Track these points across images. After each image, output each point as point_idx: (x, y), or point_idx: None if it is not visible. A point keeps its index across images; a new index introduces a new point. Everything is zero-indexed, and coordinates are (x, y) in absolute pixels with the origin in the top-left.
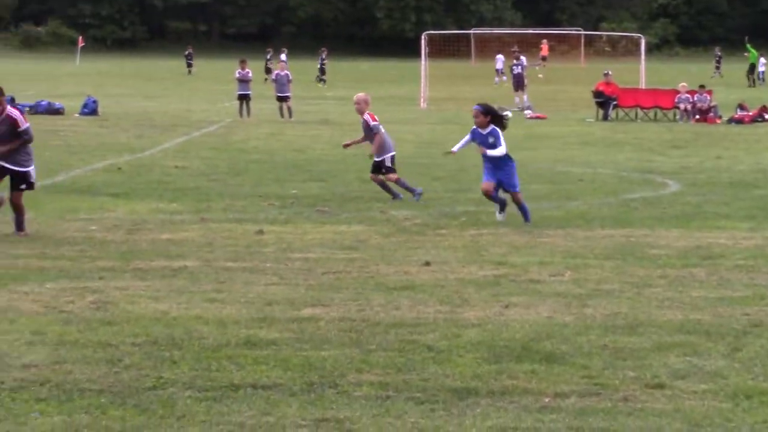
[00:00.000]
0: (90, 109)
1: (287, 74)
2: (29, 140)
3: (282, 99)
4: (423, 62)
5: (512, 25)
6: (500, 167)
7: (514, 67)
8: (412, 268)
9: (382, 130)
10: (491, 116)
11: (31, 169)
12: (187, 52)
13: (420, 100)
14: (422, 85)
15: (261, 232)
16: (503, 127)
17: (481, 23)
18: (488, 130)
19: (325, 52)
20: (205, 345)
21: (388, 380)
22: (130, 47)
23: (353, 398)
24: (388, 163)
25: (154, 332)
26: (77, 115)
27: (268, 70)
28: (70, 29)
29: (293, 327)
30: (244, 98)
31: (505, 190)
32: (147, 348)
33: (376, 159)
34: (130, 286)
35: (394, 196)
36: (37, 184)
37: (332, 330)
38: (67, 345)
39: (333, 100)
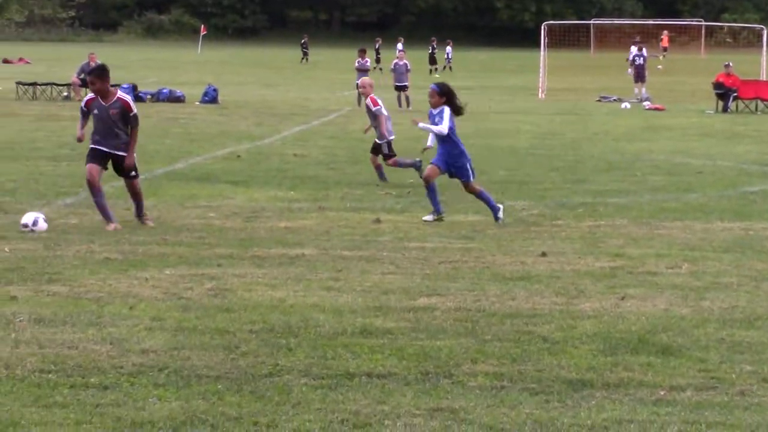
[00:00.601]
0: (210, 97)
1: (405, 63)
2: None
3: (400, 88)
4: (542, 52)
5: (632, 16)
6: (450, 153)
7: (636, 58)
8: (528, 259)
9: (384, 113)
10: (446, 97)
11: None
12: (303, 41)
13: (539, 91)
14: (541, 75)
15: (378, 221)
16: (458, 112)
17: (601, 14)
18: (438, 110)
19: (436, 42)
20: (321, 333)
21: (503, 371)
22: (250, 36)
23: (468, 388)
24: (385, 150)
25: (271, 319)
26: (198, 103)
27: (378, 60)
28: (192, 18)
29: (409, 316)
30: None
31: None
32: (264, 335)
33: (377, 141)
34: (247, 274)
35: (382, 177)
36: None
37: (448, 320)
38: (186, 331)
39: None
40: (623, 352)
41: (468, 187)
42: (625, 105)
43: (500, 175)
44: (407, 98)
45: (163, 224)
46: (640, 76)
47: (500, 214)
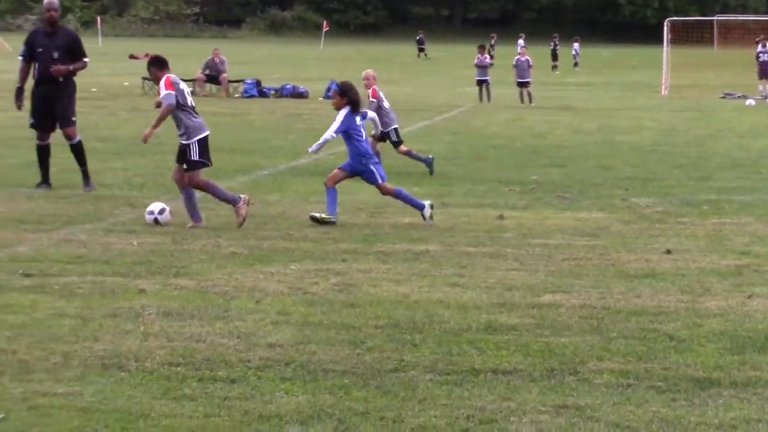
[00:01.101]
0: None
1: (528, 59)
2: (164, 108)
3: (522, 84)
4: (665, 49)
5: (756, 12)
6: (355, 155)
7: (761, 54)
8: (653, 256)
9: (386, 106)
10: (347, 96)
11: (191, 142)
12: (418, 37)
13: (661, 87)
14: (664, 71)
15: (501, 217)
16: (356, 110)
17: (725, 10)
18: (338, 112)
19: (558, 38)
20: (446, 329)
21: (629, 368)
22: (372, 32)
23: (594, 385)
24: (393, 137)
25: (396, 315)
26: (321, 99)
27: (491, 56)
28: (315, 14)
29: (533, 313)
30: (482, 83)
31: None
32: (389, 330)
33: (382, 130)
34: (372, 269)
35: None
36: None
37: (573, 317)
38: (312, 326)
39: (574, 86)
40: (751, 351)
41: (382, 190)
42: (750, 102)
43: (625, 171)
44: (529, 94)
45: (288, 219)
46: (764, 72)
47: (426, 212)
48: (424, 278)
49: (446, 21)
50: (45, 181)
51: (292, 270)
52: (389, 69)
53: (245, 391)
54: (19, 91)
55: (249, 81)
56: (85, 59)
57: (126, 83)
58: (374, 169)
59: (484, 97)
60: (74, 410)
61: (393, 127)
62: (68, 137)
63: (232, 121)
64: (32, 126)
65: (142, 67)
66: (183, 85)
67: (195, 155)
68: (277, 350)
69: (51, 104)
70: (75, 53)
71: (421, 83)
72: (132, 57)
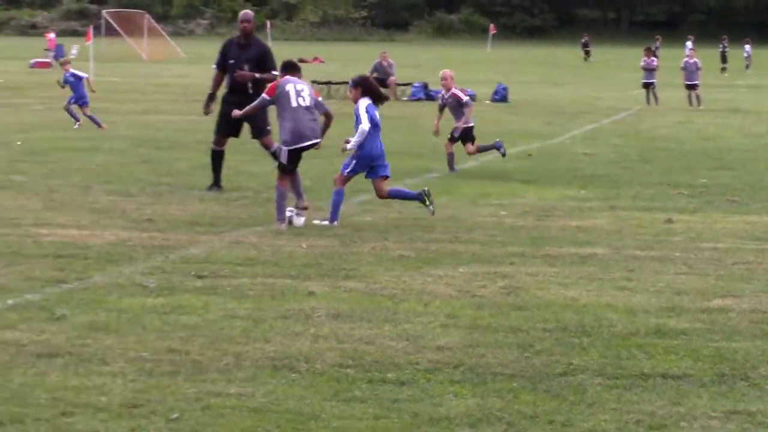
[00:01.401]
0: (500, 96)
1: (696, 62)
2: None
3: (691, 87)
4: None
5: None
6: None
7: None
8: None
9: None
10: (362, 87)
11: (276, 148)
12: (583, 40)
13: None
14: None
15: (670, 221)
16: (380, 100)
17: None
18: (356, 106)
19: (727, 40)
20: (614, 333)
21: None
22: (539, 35)
23: (765, 391)
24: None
25: (564, 318)
26: (488, 101)
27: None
28: (482, 17)
29: (703, 317)
30: (648, 86)
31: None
32: (557, 334)
33: (466, 126)
34: (539, 272)
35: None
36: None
37: (743, 321)
38: (480, 329)
39: (744, 88)
40: None
41: (380, 191)
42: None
43: None
44: (698, 97)
45: (456, 222)
46: None
47: (429, 207)
48: (592, 282)
49: (613, 24)
50: (216, 183)
51: (460, 273)
52: (556, 72)
53: (414, 393)
54: (210, 98)
55: (416, 84)
56: (274, 72)
57: None
58: (347, 162)
59: (651, 100)
60: (246, 411)
61: (470, 125)
62: (266, 146)
63: (400, 124)
64: (217, 132)
65: (311, 70)
66: (292, 88)
67: (284, 159)
68: (445, 353)
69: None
70: (264, 66)
71: (588, 86)
72: (301, 61)
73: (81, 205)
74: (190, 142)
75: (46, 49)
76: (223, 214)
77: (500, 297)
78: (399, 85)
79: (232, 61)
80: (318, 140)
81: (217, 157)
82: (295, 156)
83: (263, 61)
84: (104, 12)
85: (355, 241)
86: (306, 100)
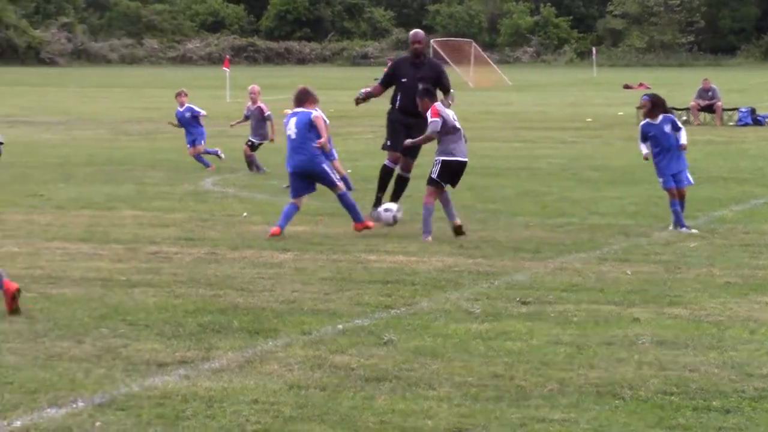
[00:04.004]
0: None
1: None
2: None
3: None
4: None
5: None
6: None
7: None
8: None
9: None
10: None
11: (436, 159)
12: None
13: None
14: None
15: None
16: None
17: None
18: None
19: None
20: None
21: None
22: None
23: None
24: None
25: None
26: None
27: None
28: None
29: None
30: None
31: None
32: None
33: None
34: None
35: None
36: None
37: None
38: None
39: None
40: None
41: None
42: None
43: None
44: None
45: None
46: None
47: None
48: None
49: None
50: (378, 203)
51: None
52: None
53: (740, 422)
54: (363, 95)
55: (743, 109)
56: (452, 91)
57: (620, 113)
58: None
59: None
60: None
61: None
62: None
63: (726, 150)
64: (385, 147)
65: (636, 96)
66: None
67: (435, 173)
68: None
69: (409, 134)
70: (440, 84)
71: None
72: (626, 87)
73: (409, 231)
74: (514, 169)
75: (375, 79)
76: (547, 240)
77: None
78: (725, 110)
79: (404, 80)
80: (466, 160)
81: (386, 175)
82: (447, 170)
83: (438, 80)
84: (433, 41)
85: (680, 267)
86: (457, 123)
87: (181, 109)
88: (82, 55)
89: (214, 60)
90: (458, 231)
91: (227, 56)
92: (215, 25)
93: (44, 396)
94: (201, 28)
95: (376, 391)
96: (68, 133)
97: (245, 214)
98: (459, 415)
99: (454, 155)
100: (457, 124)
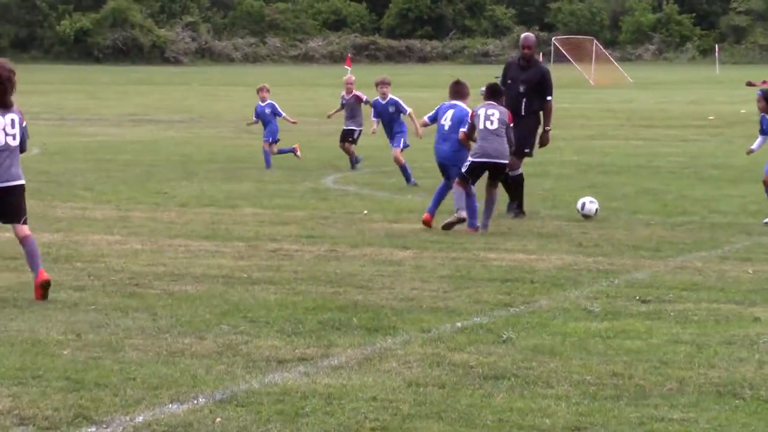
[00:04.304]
0: None
1: None
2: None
3: None
4: None
5: None
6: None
7: None
8: None
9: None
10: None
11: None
12: None
13: None
14: None
15: None
16: None
17: None
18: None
19: None
20: None
21: None
22: None
23: None
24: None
25: None
26: None
27: None
28: None
29: None
30: None
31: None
32: None
33: None
34: None
35: None
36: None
37: None
38: None
39: None
40: None
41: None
42: None
43: None
44: None
45: None
46: None
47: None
48: None
49: None
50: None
51: None
52: None
53: None
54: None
55: None
56: (549, 97)
57: (743, 110)
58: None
59: None
60: None
61: None
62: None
63: None
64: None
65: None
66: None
67: (463, 168)
68: None
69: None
70: (541, 89)
71: None
72: (749, 84)
73: (528, 229)
74: (634, 167)
75: (496, 77)
76: (668, 239)
77: None
78: None
79: (509, 81)
80: (500, 161)
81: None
82: (474, 168)
83: (540, 84)
84: (554, 39)
85: None
86: (494, 124)
87: (262, 104)
88: (205, 54)
89: (335, 58)
90: (447, 226)
91: (348, 54)
92: (337, 24)
93: (166, 392)
94: (323, 27)
95: (494, 389)
96: (191, 131)
97: (365, 211)
98: (577, 413)
99: (477, 156)
100: (492, 126)
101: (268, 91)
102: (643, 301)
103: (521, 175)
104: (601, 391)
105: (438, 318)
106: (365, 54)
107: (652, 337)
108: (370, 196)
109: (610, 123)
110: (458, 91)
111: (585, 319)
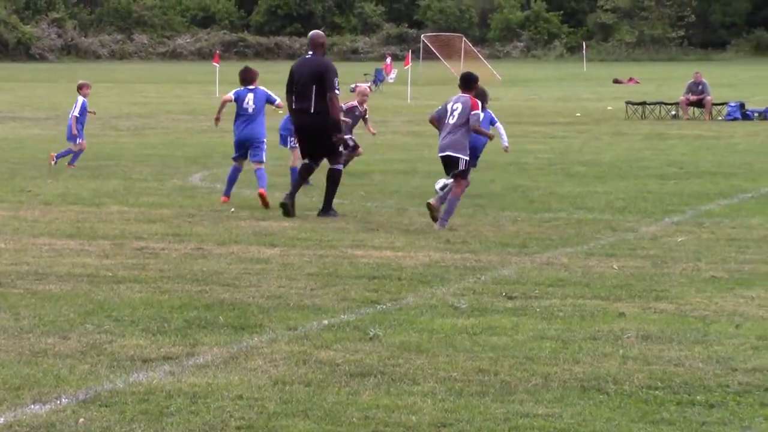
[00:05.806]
0: None
1: None
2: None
3: None
4: None
5: None
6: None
7: None
8: None
9: None
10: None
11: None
12: None
13: None
14: None
15: None
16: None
17: None
18: None
19: None
20: None
21: None
22: None
23: None
24: None
25: None
26: None
27: None
28: None
29: None
30: None
31: None
32: None
33: None
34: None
35: None
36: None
37: None
38: None
39: None
40: None
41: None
42: None
43: None
44: None
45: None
46: None
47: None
48: None
49: None
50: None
51: None
52: None
53: (724, 416)
54: None
55: (732, 104)
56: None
57: (609, 107)
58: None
59: None
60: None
61: None
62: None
63: (714, 144)
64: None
65: (625, 91)
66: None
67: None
68: (757, 375)
69: None
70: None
71: None
72: (616, 81)
73: (396, 226)
74: (502, 164)
75: (365, 74)
76: (534, 235)
77: None
78: (715, 105)
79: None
80: (449, 154)
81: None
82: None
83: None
84: (423, 36)
85: (666, 261)
86: (455, 117)
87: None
88: (72, 51)
89: (204, 55)
90: (430, 207)
91: (216, 52)
92: (206, 21)
93: (28, 392)
94: (191, 24)
95: (360, 387)
96: (57, 129)
97: (232, 209)
98: (443, 410)
99: (440, 150)
100: (453, 119)
101: (89, 87)
102: (510, 298)
103: (340, 171)
104: (467, 388)
105: (305, 316)
106: (234, 51)
107: (518, 333)
108: (237, 193)
109: None
110: (245, 78)
111: (451, 316)
